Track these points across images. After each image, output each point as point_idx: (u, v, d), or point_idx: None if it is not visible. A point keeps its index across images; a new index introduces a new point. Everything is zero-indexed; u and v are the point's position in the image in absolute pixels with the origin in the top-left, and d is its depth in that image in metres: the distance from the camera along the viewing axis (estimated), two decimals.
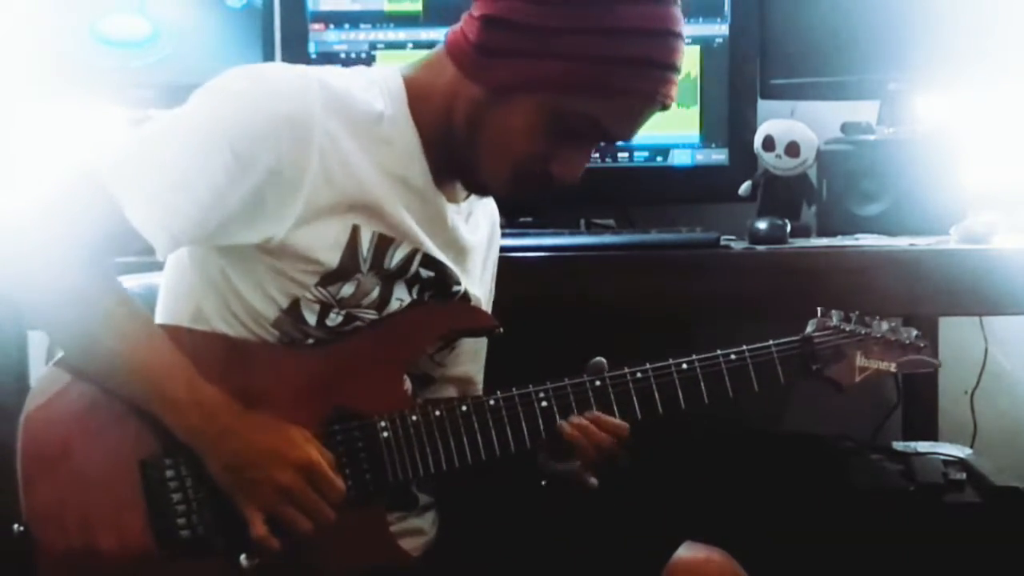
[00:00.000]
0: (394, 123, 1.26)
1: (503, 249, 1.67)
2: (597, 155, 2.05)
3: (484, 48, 1.22)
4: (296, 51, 2.01)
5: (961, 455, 2.06)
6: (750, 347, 1.34)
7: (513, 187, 1.29)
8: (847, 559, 1.85)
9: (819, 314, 1.40)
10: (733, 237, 1.86)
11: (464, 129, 1.25)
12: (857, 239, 1.84)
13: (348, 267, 1.24)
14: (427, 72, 1.28)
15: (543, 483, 1.36)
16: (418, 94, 1.27)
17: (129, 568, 1.19)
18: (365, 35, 2.03)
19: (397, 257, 1.27)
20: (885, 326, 1.42)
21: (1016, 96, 2.10)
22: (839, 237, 1.86)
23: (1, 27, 1.95)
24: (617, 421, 1.30)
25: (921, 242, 1.75)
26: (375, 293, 1.27)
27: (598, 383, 1.31)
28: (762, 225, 1.82)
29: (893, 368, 1.42)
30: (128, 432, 1.20)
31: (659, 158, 2.06)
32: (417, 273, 1.30)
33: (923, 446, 2.11)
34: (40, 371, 1.26)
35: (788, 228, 1.82)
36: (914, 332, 1.43)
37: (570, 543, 1.37)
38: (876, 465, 2.01)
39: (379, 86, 1.27)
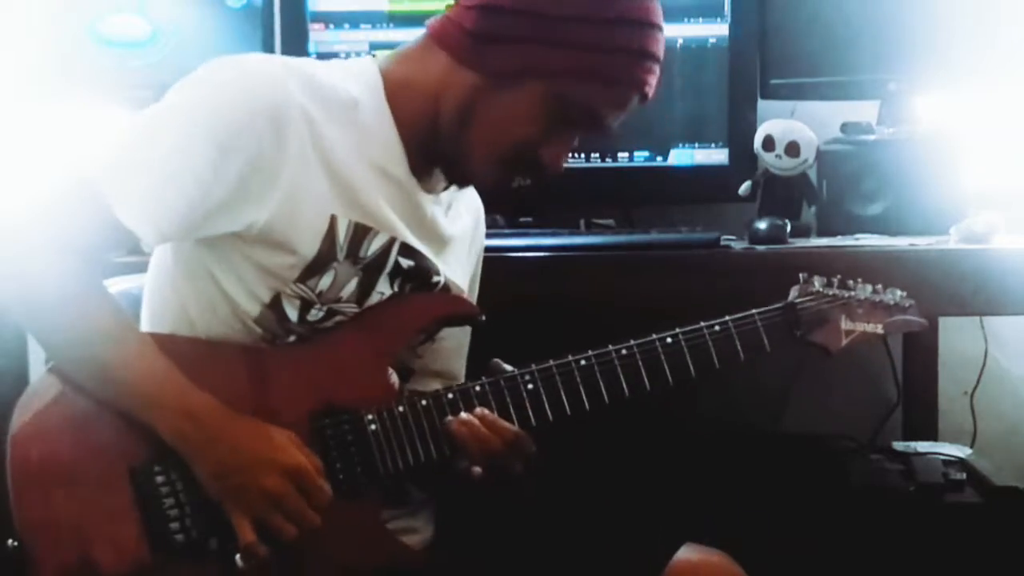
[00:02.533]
0: (371, 111, 1.27)
1: (504, 249, 1.68)
2: (597, 155, 2.05)
3: (483, 35, 1.23)
4: (296, 51, 2.01)
5: (961, 455, 2.06)
6: (733, 317, 1.35)
7: (500, 174, 1.30)
8: (847, 559, 1.85)
9: (800, 280, 1.41)
10: (733, 237, 1.86)
11: (454, 116, 1.26)
12: (857, 239, 1.84)
13: (325, 256, 1.25)
14: (407, 63, 1.29)
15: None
16: (397, 86, 1.28)
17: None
18: (365, 35, 2.03)
19: (374, 246, 1.28)
20: (869, 289, 1.42)
21: (1016, 96, 2.10)
22: (839, 237, 1.86)
23: (1, 27, 1.95)
24: (506, 425, 1.27)
25: (921, 242, 1.75)
26: (353, 284, 1.28)
27: (583, 362, 1.31)
28: (762, 225, 1.82)
29: (880, 330, 1.42)
30: (117, 441, 1.20)
31: (659, 158, 2.06)
32: (397, 263, 1.30)
33: (923, 446, 2.11)
34: (40, 371, 1.25)
35: (788, 228, 1.82)
36: (899, 292, 1.44)
37: (570, 544, 1.37)
38: (876, 465, 2.01)
39: (355, 76, 1.28)
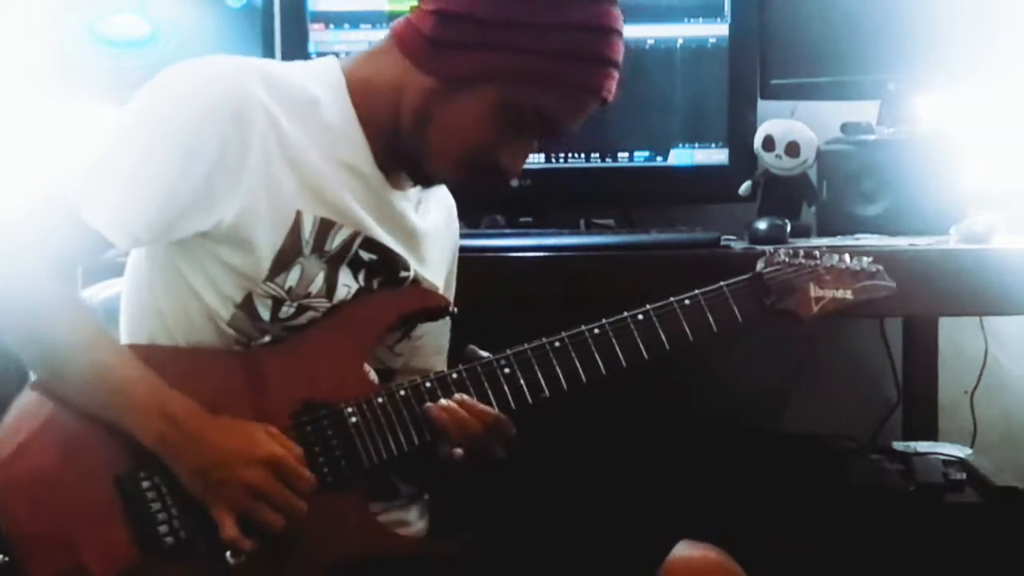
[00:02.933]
0: (335, 110, 1.28)
1: (504, 249, 1.68)
2: (597, 155, 2.05)
3: (438, 41, 1.25)
4: (296, 51, 2.01)
5: (961, 455, 2.06)
6: (702, 290, 1.37)
7: (458, 177, 1.33)
8: (847, 559, 1.85)
9: (765, 253, 1.42)
10: (733, 237, 1.86)
11: (412, 119, 1.27)
12: (857, 239, 1.84)
13: (291, 252, 1.26)
14: (370, 65, 1.31)
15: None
16: (360, 86, 1.30)
17: None
18: (365, 35, 2.03)
19: (338, 240, 1.29)
20: (835, 257, 1.44)
21: (1016, 96, 2.10)
22: (839, 237, 1.86)
23: (1, 27, 1.95)
24: (485, 408, 1.28)
25: (921, 242, 1.75)
26: (320, 279, 1.29)
27: (557, 343, 1.32)
28: (762, 225, 1.82)
29: (849, 295, 1.44)
30: (101, 449, 1.20)
31: (659, 158, 2.06)
32: (358, 255, 1.31)
33: (923, 446, 2.11)
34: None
35: (788, 228, 1.82)
36: (866, 259, 1.46)
37: (568, 540, 1.37)
38: (876, 465, 2.01)
39: (317, 76, 1.30)
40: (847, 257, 1.45)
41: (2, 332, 1.22)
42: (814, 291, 1.42)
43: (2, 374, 1.60)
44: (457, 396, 1.28)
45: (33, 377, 1.25)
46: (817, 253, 1.44)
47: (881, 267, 1.46)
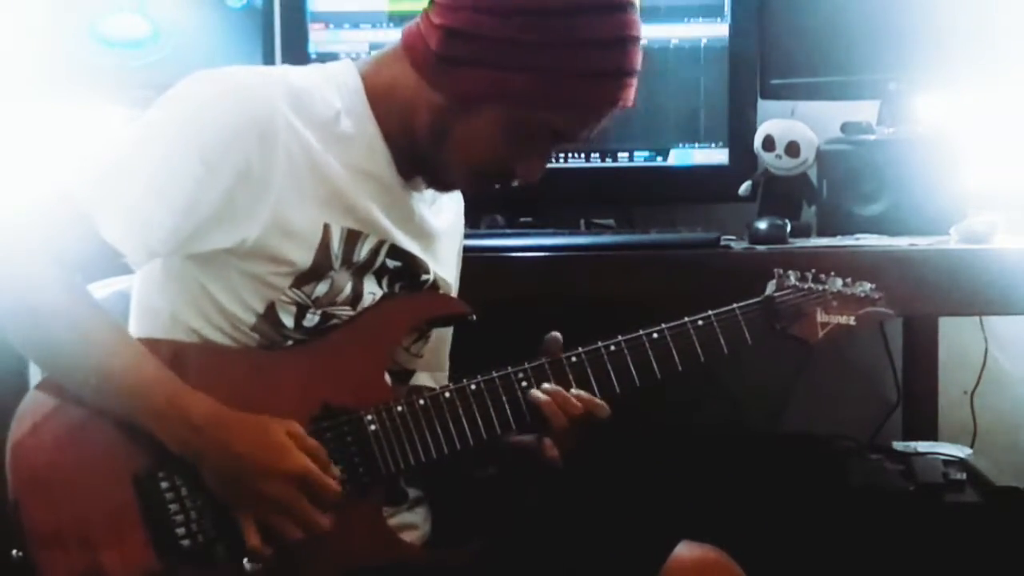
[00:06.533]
0: (353, 118, 1.28)
1: (504, 249, 1.68)
2: (597, 155, 2.05)
3: (446, 58, 1.23)
4: (296, 51, 2.02)
5: (961, 455, 2.06)
6: (715, 311, 1.37)
7: (474, 187, 1.34)
8: (847, 559, 1.85)
9: (776, 275, 1.42)
10: (733, 237, 1.86)
11: (427, 132, 1.27)
12: (857, 239, 1.84)
13: (322, 265, 1.26)
14: (386, 70, 1.30)
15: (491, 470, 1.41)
16: (378, 91, 1.29)
17: None
18: (365, 35, 2.03)
19: (365, 250, 1.29)
20: (840, 282, 1.44)
21: (1016, 96, 2.10)
22: (839, 237, 1.86)
23: (1, 27, 1.95)
24: (586, 395, 1.30)
25: (921, 242, 1.75)
26: (348, 289, 1.29)
27: (574, 359, 1.32)
28: (762, 225, 1.82)
29: (852, 321, 1.44)
30: (119, 450, 1.20)
31: (659, 158, 2.06)
32: (384, 264, 1.32)
33: (923, 446, 2.11)
34: (40, 374, 1.25)
35: (788, 228, 1.82)
36: (868, 285, 1.46)
37: (568, 541, 1.37)
38: (876, 465, 2.01)
39: (335, 82, 1.29)
40: (851, 282, 1.45)
41: (10, 333, 1.21)
42: (821, 316, 1.42)
43: (2, 375, 1.61)
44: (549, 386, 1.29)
45: (35, 379, 1.25)
46: (823, 276, 1.44)
47: (883, 294, 1.46)
